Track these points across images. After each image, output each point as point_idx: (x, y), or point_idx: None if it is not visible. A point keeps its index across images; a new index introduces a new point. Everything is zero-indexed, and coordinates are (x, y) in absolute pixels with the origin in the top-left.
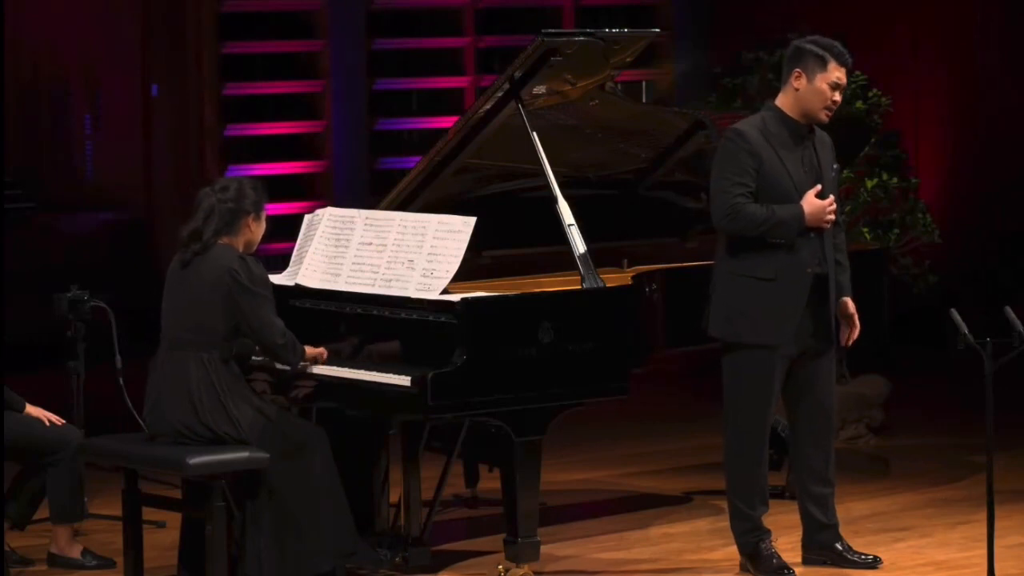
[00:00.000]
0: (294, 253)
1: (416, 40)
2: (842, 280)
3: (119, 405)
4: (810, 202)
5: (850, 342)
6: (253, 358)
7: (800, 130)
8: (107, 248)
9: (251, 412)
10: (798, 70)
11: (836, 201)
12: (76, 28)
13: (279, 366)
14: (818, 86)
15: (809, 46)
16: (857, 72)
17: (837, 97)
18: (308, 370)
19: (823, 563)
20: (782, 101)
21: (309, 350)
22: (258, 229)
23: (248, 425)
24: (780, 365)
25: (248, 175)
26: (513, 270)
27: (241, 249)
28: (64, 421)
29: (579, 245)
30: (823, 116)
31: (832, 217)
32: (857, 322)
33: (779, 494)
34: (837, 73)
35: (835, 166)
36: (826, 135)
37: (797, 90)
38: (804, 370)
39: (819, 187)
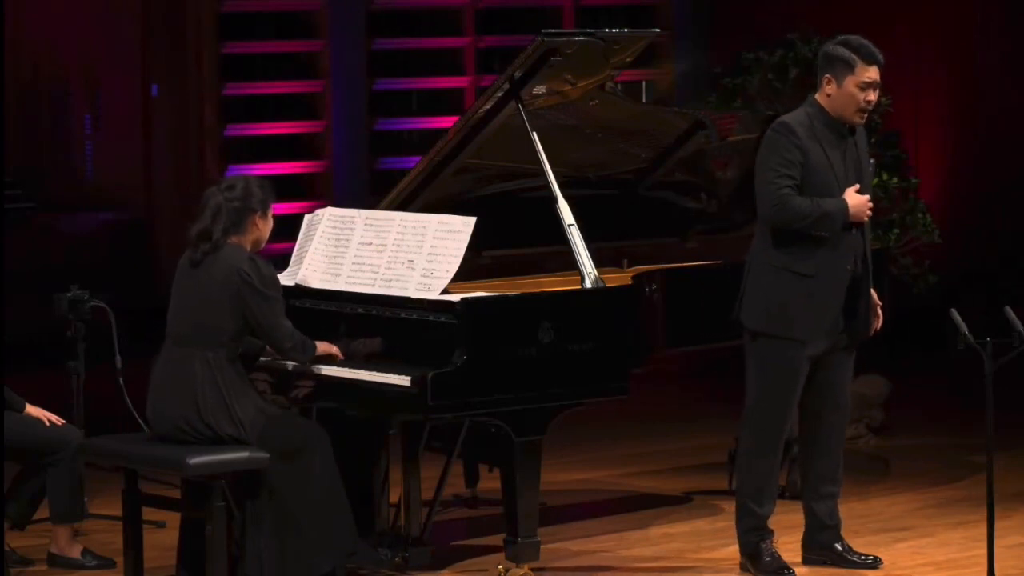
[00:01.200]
0: (294, 253)
1: (416, 40)
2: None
3: (119, 405)
4: (852, 196)
5: (872, 332)
6: (261, 358)
7: (841, 128)
8: (107, 248)
9: (253, 412)
10: (828, 76)
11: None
12: (76, 28)
13: (291, 366)
14: (848, 90)
15: (836, 50)
16: None
17: (871, 96)
18: (314, 369)
19: (823, 563)
20: (821, 99)
21: (323, 346)
22: (265, 227)
23: (249, 424)
24: (807, 362)
25: (254, 174)
26: (513, 270)
27: (249, 247)
28: (64, 421)
29: (579, 245)
30: (856, 119)
31: (871, 211)
32: (880, 312)
33: (780, 494)
34: (866, 73)
35: (871, 160)
36: (862, 127)
37: (829, 95)
38: (824, 370)
39: (858, 185)
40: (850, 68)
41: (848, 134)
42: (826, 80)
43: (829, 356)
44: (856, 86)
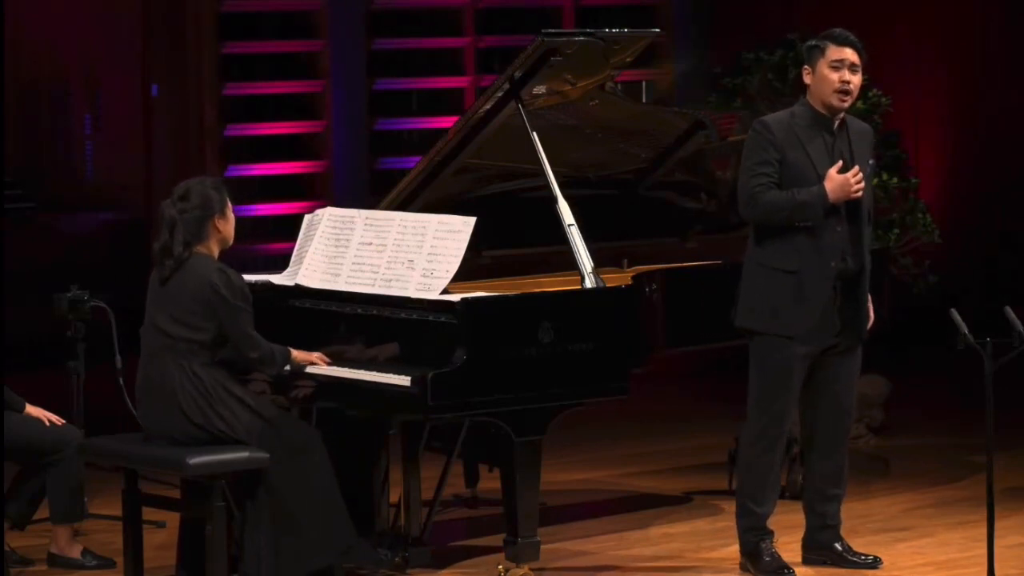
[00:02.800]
0: (294, 253)
1: (416, 40)
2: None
3: (119, 405)
4: (831, 177)
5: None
6: None
7: (825, 121)
8: (107, 248)
9: (247, 414)
10: (806, 67)
11: (868, 194)
12: (76, 28)
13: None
14: (821, 72)
15: (810, 42)
16: None
17: (846, 77)
18: (307, 371)
19: (823, 563)
20: (807, 95)
21: (299, 355)
22: (227, 227)
23: (245, 426)
24: (802, 361)
25: (205, 176)
26: (513, 270)
27: (217, 250)
28: (64, 421)
29: (579, 245)
30: (835, 101)
31: (860, 186)
32: (872, 313)
33: (780, 494)
34: (836, 53)
35: (871, 161)
36: (867, 127)
37: (809, 85)
38: (825, 370)
39: (840, 163)
40: (821, 51)
41: (836, 130)
42: (806, 72)
43: (828, 357)
44: (828, 66)
